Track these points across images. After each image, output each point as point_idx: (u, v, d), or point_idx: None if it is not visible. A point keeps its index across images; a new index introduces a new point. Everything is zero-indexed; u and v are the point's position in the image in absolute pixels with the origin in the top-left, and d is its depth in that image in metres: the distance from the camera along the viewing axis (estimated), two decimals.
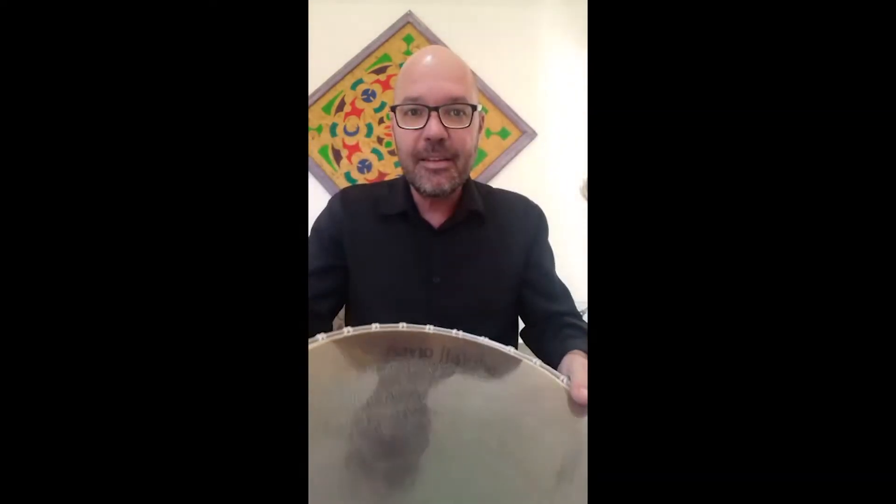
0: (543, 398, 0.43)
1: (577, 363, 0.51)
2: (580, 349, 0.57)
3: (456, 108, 0.62)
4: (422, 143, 0.62)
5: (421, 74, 0.62)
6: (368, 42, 1.69)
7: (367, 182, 1.64)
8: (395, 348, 0.45)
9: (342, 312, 0.79)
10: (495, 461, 0.35)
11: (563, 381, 0.45)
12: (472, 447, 0.36)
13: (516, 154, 1.69)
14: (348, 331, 0.45)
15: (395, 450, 0.34)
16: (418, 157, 0.64)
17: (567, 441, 0.39)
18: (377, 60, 1.70)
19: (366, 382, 0.40)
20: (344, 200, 0.73)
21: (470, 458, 0.35)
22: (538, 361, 0.48)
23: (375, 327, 0.46)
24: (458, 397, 0.41)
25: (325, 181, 1.66)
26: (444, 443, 0.36)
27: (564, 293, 0.77)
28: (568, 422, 0.41)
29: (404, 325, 0.47)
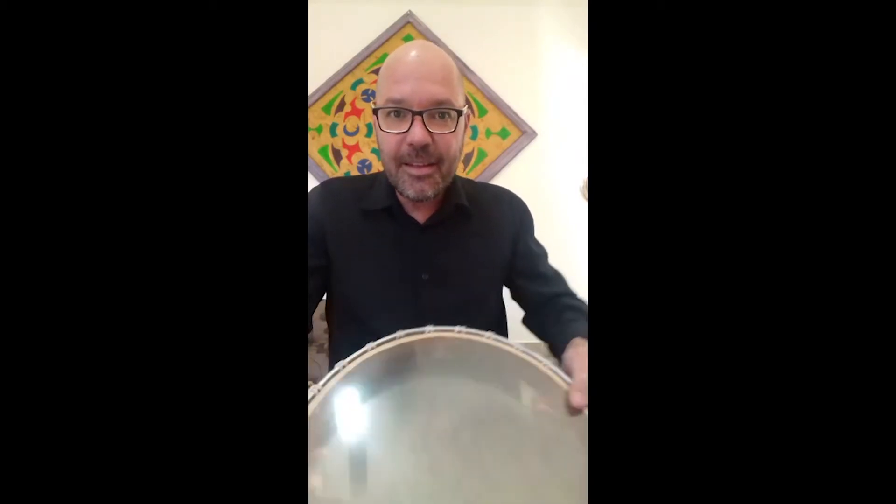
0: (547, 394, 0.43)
1: (576, 362, 0.50)
2: (581, 334, 0.57)
3: (441, 111, 0.60)
4: (405, 148, 0.60)
5: (404, 74, 0.59)
6: (368, 42, 1.69)
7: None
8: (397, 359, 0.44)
9: (322, 310, 0.78)
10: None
11: (567, 382, 0.45)
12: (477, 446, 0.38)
13: (516, 154, 1.69)
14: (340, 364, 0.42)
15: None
16: (401, 161, 0.62)
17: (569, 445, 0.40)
18: (377, 60, 1.69)
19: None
20: (323, 195, 0.71)
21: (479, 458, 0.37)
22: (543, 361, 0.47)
23: (371, 346, 0.43)
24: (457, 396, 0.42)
25: None
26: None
27: (557, 275, 0.77)
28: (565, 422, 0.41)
29: (401, 332, 0.45)
